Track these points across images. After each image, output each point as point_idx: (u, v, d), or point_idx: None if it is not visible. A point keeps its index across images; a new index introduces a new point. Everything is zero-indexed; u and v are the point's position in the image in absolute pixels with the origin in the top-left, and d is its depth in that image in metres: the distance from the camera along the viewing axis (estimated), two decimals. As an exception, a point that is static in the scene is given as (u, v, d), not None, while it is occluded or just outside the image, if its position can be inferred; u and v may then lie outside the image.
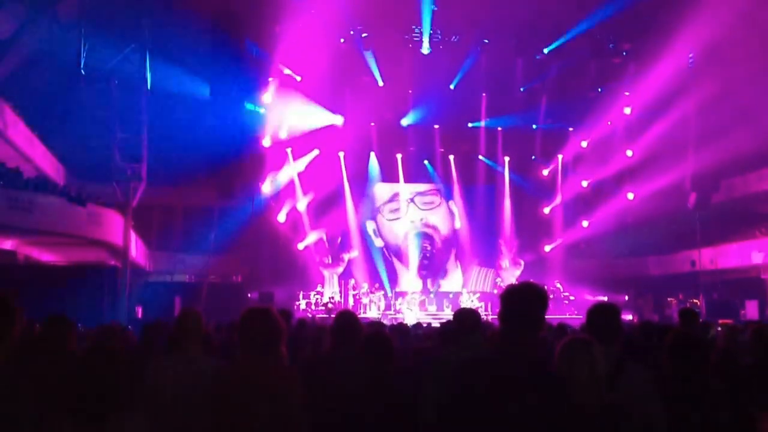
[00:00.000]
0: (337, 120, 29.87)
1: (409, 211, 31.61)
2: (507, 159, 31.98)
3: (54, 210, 20.69)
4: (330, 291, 28.98)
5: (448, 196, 31.93)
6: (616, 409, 3.42)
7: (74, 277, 19.93)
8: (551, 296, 24.47)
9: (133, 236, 25.33)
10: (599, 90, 30.43)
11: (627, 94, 29.74)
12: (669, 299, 28.93)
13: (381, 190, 31.78)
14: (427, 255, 31.11)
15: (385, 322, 18.16)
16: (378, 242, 31.23)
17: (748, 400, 4.42)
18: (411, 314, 26.41)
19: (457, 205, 31.81)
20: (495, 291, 29.27)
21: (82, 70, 24.10)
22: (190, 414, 4.32)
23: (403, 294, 29.01)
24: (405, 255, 31.06)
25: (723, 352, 5.98)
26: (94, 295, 19.23)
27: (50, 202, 20.74)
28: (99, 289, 19.82)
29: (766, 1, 22.99)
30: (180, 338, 4.87)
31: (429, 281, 30.61)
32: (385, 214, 31.66)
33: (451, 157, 31.76)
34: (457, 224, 31.72)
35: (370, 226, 31.34)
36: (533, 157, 32.51)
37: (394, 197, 31.68)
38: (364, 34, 27.59)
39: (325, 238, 30.09)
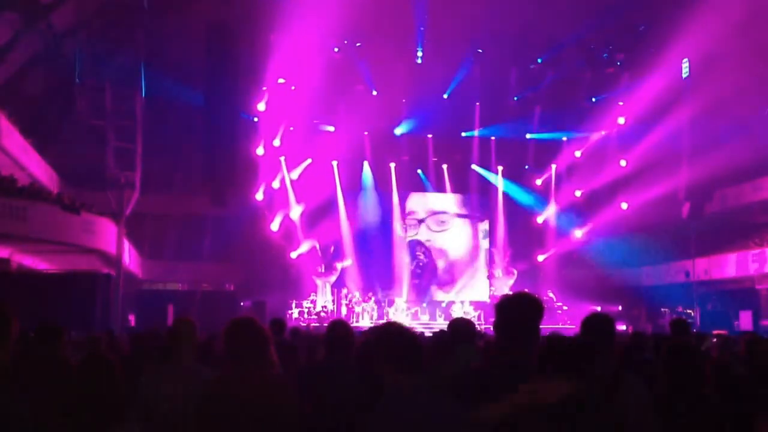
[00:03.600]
0: (331, 129, 29.90)
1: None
2: (500, 168, 32.01)
3: (48, 218, 20.61)
4: (323, 300, 28.93)
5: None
6: (609, 421, 3.41)
7: (67, 285, 19.80)
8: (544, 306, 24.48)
9: (126, 244, 25.27)
10: (593, 100, 30.55)
11: (621, 103, 29.86)
12: (663, 309, 28.94)
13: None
14: (420, 264, 31.10)
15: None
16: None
17: (742, 412, 4.42)
18: (403, 322, 26.35)
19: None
20: (488, 300, 29.25)
21: (77, 79, 24.07)
22: (184, 424, 4.30)
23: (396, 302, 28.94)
24: (399, 263, 31.04)
25: (717, 363, 5.99)
26: (87, 303, 19.10)
27: (44, 210, 20.66)
28: (92, 297, 19.68)
29: (759, 13, 23.11)
30: (173, 347, 4.86)
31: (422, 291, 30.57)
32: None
33: (445, 167, 31.78)
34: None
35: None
36: (526, 167, 32.56)
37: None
38: (357, 44, 27.67)
39: (318, 247, 30.05)
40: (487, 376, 3.27)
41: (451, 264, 31.64)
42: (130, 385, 4.45)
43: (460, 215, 32.12)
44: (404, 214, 31.62)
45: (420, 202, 31.86)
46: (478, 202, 32.34)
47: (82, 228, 22.25)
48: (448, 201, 32.13)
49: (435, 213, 31.97)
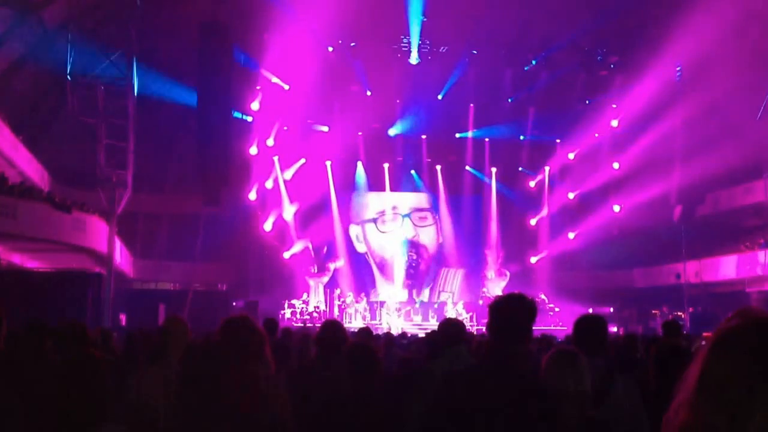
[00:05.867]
0: (325, 129, 29.86)
1: (404, 225, 31.53)
2: (494, 170, 32.05)
3: (38, 216, 20.52)
4: (315, 300, 28.90)
5: (436, 208, 31.91)
6: (602, 423, 3.40)
7: (58, 284, 19.71)
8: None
9: (117, 243, 25.16)
10: (587, 102, 30.63)
11: (614, 106, 29.94)
12: (654, 311, 29.00)
13: (376, 199, 31.72)
14: (414, 265, 31.08)
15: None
16: (360, 248, 31.11)
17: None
18: (395, 323, 26.37)
19: (443, 219, 31.81)
20: (481, 302, 29.27)
21: (68, 76, 23.95)
22: (175, 425, 4.26)
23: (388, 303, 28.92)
24: (390, 264, 30.98)
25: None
26: (77, 302, 18.99)
27: (35, 209, 20.57)
28: (83, 296, 19.57)
29: (752, 17, 23.19)
30: (165, 347, 4.81)
31: (414, 291, 30.57)
32: (378, 224, 31.56)
33: (438, 168, 31.77)
34: (440, 239, 31.72)
35: (353, 231, 31.22)
36: (520, 169, 32.60)
37: (391, 209, 31.59)
38: (352, 44, 27.64)
39: (311, 247, 30.01)
40: (478, 376, 3.25)
41: (434, 256, 31.70)
42: (122, 385, 4.42)
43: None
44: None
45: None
46: (471, 202, 32.35)
47: (73, 226, 22.16)
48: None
49: (417, 209, 31.95)
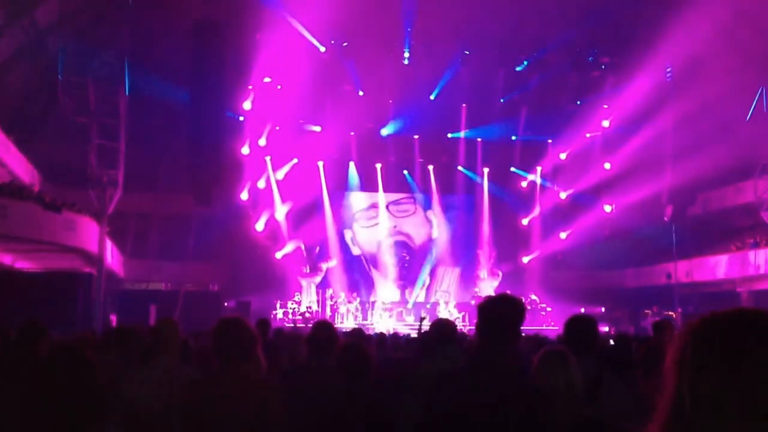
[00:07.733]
0: (317, 129, 29.84)
1: (383, 218, 31.59)
2: (486, 170, 32.08)
3: (28, 216, 20.38)
4: (307, 300, 28.85)
5: (426, 205, 31.98)
6: (599, 422, 3.41)
7: (48, 285, 19.65)
8: (528, 308, 24.62)
9: (108, 243, 25.07)
10: (578, 102, 30.67)
11: (606, 107, 30.01)
12: (645, 311, 29.07)
13: (357, 199, 31.76)
14: (405, 265, 31.10)
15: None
16: (355, 250, 31.19)
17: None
18: (386, 323, 26.37)
19: (435, 215, 31.87)
20: (473, 302, 29.28)
21: (60, 75, 23.86)
22: (167, 425, 4.26)
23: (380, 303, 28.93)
24: (382, 264, 31.02)
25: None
26: (67, 302, 18.95)
27: (25, 208, 20.44)
28: (73, 296, 19.52)
29: (743, 17, 23.29)
30: (156, 347, 4.81)
31: (407, 291, 30.57)
32: (361, 221, 31.63)
33: (431, 168, 31.80)
34: (435, 233, 31.76)
35: (348, 235, 31.28)
36: (512, 168, 32.65)
37: (371, 206, 31.66)
38: (345, 44, 27.61)
39: (303, 247, 29.98)
40: (469, 377, 3.25)
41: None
42: (113, 385, 4.40)
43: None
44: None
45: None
46: (463, 202, 32.40)
47: (64, 226, 22.03)
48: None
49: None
